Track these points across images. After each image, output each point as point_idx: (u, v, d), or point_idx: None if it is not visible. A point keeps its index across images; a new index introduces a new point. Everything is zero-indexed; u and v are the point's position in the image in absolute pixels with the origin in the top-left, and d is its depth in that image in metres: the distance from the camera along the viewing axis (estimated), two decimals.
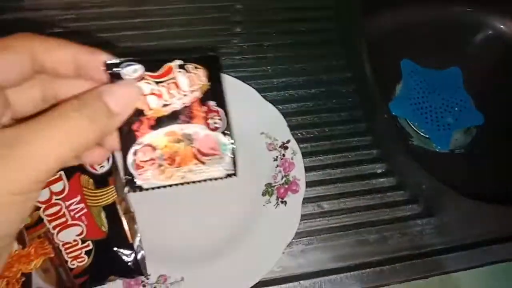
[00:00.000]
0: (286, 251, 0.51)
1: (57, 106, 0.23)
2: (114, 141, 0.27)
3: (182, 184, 0.29)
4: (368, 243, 0.53)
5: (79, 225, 0.42)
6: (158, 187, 0.28)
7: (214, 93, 0.29)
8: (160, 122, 0.28)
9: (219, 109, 0.29)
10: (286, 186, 0.52)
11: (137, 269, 0.43)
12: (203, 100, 0.29)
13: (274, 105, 0.54)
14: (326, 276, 0.51)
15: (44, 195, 0.42)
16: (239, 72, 0.58)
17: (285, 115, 0.54)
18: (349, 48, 0.63)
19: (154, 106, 0.27)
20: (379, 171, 0.57)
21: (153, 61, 0.28)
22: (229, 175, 0.30)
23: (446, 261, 0.53)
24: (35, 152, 0.21)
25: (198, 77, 0.28)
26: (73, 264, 0.41)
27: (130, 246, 0.43)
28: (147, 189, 0.28)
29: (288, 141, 0.53)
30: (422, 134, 0.69)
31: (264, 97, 0.55)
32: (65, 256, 0.41)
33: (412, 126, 0.69)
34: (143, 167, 0.27)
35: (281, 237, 0.50)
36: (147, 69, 0.27)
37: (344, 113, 0.59)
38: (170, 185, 0.28)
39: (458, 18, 0.76)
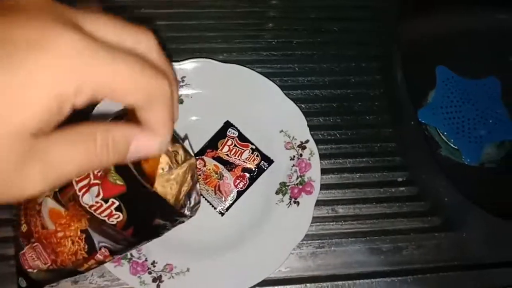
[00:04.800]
0: (295, 252, 0.51)
1: None
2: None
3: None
4: (381, 252, 0.52)
5: (98, 184, 0.37)
6: None
7: None
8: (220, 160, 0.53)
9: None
10: (300, 186, 0.51)
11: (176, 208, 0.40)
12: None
13: (296, 104, 0.53)
14: (334, 281, 0.50)
15: None
16: (265, 68, 0.58)
17: (307, 114, 0.53)
18: (382, 50, 0.61)
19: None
20: (400, 179, 0.55)
21: None
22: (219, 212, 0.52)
23: (461, 279, 0.51)
24: None
25: None
26: (112, 221, 0.38)
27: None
28: None
29: (307, 141, 0.52)
30: (451, 145, 0.66)
31: (287, 95, 0.54)
32: (99, 216, 0.38)
33: (442, 136, 0.67)
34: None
35: (291, 237, 0.49)
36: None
37: (370, 116, 0.58)
38: None
39: (500, 27, 0.72)
